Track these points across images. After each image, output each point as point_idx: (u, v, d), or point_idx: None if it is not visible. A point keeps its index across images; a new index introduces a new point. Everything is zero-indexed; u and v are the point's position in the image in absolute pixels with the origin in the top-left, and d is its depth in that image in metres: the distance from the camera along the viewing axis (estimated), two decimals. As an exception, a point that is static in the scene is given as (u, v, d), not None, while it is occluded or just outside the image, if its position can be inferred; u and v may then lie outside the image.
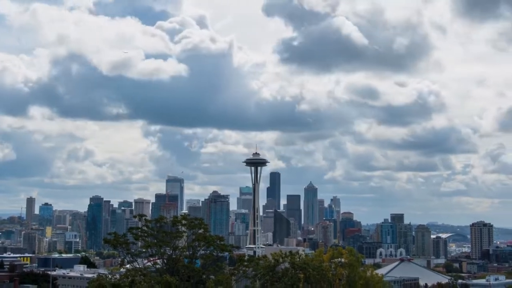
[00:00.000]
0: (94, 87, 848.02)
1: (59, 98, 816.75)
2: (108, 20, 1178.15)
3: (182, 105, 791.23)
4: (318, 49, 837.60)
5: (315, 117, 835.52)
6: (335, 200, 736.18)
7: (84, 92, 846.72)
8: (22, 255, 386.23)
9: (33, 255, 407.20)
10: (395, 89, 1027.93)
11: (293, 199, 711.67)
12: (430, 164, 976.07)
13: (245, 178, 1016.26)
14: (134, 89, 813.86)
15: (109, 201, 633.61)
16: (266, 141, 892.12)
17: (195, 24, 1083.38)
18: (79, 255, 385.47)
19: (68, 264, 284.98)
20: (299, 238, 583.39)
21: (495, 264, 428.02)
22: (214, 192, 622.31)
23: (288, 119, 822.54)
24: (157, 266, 68.30)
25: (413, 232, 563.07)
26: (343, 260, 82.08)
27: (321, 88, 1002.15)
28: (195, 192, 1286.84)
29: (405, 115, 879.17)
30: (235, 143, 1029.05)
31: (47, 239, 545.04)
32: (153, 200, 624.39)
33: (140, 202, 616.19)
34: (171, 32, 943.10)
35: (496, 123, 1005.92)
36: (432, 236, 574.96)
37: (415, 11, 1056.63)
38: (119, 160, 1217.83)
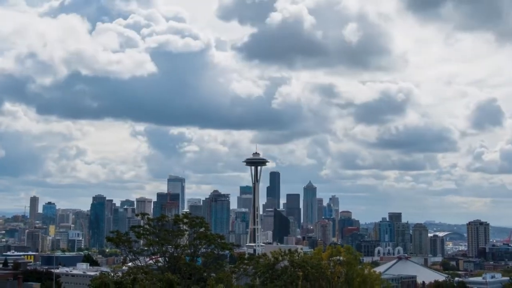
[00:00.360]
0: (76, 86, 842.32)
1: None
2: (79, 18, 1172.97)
3: (155, 103, 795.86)
4: (280, 46, 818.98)
5: (289, 116, 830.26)
6: (333, 199, 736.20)
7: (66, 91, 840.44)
8: (26, 253, 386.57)
9: (37, 253, 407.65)
10: (360, 86, 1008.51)
11: (292, 198, 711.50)
12: (416, 163, 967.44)
13: (235, 176, 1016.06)
14: (111, 88, 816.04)
15: (112, 200, 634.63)
16: (243, 140, 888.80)
17: (166, 21, 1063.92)
18: (82, 253, 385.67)
19: (71, 262, 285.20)
20: (299, 236, 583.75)
21: (492, 262, 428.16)
22: (215, 191, 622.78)
23: (263, 117, 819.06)
24: (159, 264, 68.44)
25: (411, 231, 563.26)
26: (341, 258, 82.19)
27: (294, 86, 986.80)
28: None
29: (376, 113, 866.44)
30: (216, 142, 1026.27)
31: (51, 238, 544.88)
32: (154, 199, 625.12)
33: (142, 201, 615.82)
34: (141, 29, 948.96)
35: (469, 121, 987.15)
36: (429, 235, 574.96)
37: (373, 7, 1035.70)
38: (110, 159, 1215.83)
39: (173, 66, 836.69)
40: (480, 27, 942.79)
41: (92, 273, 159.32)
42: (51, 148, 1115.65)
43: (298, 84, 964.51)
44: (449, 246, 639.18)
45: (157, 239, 67.97)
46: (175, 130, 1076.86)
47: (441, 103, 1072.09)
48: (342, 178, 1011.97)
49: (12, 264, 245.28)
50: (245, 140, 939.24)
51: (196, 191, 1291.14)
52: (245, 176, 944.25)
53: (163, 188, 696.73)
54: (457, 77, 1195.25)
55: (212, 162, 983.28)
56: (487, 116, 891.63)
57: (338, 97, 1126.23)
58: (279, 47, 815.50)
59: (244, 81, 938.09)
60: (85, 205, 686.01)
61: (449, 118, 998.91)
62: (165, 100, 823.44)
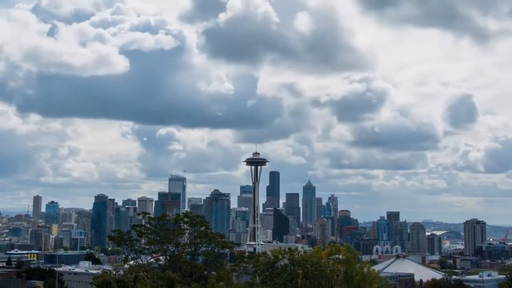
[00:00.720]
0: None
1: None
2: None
3: (127, 101, 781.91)
4: (243, 42, 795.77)
5: (267, 114, 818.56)
6: (332, 199, 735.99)
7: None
8: (29, 251, 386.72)
9: (40, 251, 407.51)
10: (334, 84, 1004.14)
11: (292, 198, 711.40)
12: (402, 162, 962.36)
13: (227, 175, 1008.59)
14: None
15: (113, 200, 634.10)
16: (221, 139, 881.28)
17: (138, 16, 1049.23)
18: (85, 251, 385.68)
19: (73, 260, 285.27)
20: (298, 235, 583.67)
21: (488, 261, 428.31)
22: (216, 190, 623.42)
23: (241, 116, 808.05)
24: (160, 263, 68.35)
25: (408, 230, 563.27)
26: (340, 256, 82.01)
27: (266, 84, 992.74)
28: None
29: (352, 111, 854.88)
30: (202, 141, 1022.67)
31: (53, 236, 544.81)
32: (156, 198, 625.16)
33: (143, 201, 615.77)
34: (110, 26, 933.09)
35: (446, 120, 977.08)
36: (427, 234, 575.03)
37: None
38: (103, 158, 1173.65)
39: (144, 65, 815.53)
40: (438, 25, 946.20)
41: (95, 271, 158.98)
42: (43, 148, 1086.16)
43: (270, 82, 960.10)
44: (447, 244, 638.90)
45: (158, 238, 67.83)
46: (153, 129, 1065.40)
47: (416, 102, 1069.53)
48: (330, 177, 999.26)
49: (15, 263, 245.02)
50: (227, 139, 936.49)
51: (192, 190, 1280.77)
52: (237, 175, 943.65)
53: (159, 187, 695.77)
54: (428, 76, 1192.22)
55: (203, 162, 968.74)
56: (463, 115, 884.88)
57: (311, 95, 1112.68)
58: (243, 44, 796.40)
59: (215, 79, 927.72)
60: (82, 204, 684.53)
61: (426, 117, 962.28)
62: (137, 99, 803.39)
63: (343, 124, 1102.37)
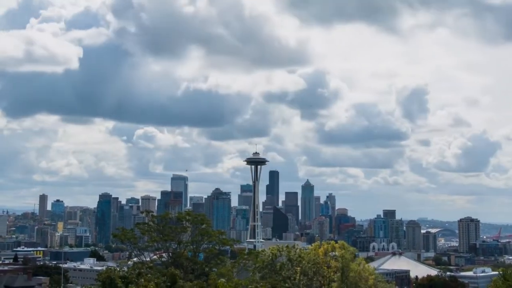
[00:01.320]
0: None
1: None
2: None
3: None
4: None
5: (226, 112, 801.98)
6: (330, 197, 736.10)
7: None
8: (35, 249, 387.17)
9: (46, 249, 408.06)
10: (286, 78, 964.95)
11: (291, 196, 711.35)
12: (379, 160, 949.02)
13: (210, 174, 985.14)
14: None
15: (117, 198, 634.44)
16: (195, 136, 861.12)
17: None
18: (89, 249, 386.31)
19: (78, 257, 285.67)
20: (297, 233, 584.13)
21: (482, 258, 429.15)
22: (217, 189, 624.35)
23: (199, 115, 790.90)
24: (162, 260, 68.54)
25: (404, 227, 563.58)
26: (337, 253, 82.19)
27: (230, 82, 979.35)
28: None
29: (309, 108, 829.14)
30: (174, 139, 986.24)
31: (59, 234, 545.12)
32: (158, 197, 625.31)
33: (146, 199, 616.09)
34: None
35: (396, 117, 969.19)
36: (422, 231, 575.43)
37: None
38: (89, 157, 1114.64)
39: (92, 60, 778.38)
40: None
41: (99, 268, 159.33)
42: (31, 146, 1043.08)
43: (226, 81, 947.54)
44: (441, 242, 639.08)
45: (161, 236, 68.07)
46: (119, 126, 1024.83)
47: (371, 98, 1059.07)
48: (310, 175, 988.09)
49: (22, 259, 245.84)
50: (198, 137, 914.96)
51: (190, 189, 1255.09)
52: (221, 173, 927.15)
53: (151, 186, 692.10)
54: (363, 71, 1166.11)
55: (185, 159, 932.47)
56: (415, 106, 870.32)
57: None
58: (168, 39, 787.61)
59: (156, 77, 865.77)
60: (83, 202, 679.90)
61: (387, 115, 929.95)
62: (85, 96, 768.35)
63: (306, 122, 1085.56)
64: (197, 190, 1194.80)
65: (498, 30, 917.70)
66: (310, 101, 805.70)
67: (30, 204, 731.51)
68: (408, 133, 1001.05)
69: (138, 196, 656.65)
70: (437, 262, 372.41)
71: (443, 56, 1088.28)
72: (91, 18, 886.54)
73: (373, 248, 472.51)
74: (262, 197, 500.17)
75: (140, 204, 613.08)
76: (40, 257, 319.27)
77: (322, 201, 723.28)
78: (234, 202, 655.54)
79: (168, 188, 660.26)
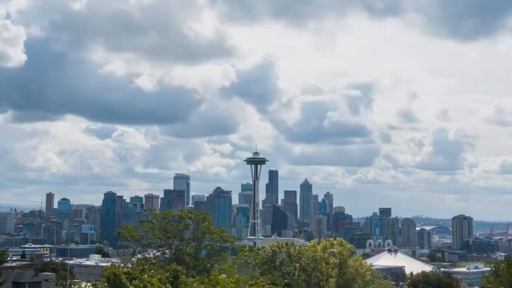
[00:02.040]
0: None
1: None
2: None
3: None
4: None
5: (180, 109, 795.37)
6: (328, 196, 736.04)
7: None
8: (42, 245, 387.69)
9: (52, 245, 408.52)
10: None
11: (290, 195, 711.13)
12: (362, 158, 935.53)
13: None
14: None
15: (122, 196, 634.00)
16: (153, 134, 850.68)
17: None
18: (94, 245, 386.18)
19: (84, 254, 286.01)
20: (296, 230, 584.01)
21: (475, 254, 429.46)
22: (218, 188, 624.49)
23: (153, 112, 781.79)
24: (165, 256, 68.53)
25: (400, 225, 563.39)
26: (334, 250, 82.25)
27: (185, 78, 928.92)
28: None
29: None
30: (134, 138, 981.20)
31: (65, 231, 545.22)
32: (161, 195, 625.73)
33: (150, 197, 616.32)
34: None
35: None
36: (417, 228, 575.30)
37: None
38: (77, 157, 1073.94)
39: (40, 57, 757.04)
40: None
41: (104, 264, 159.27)
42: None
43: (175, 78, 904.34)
44: (436, 239, 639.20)
45: (163, 233, 68.06)
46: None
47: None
48: (295, 173, 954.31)
49: (29, 256, 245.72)
50: (160, 136, 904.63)
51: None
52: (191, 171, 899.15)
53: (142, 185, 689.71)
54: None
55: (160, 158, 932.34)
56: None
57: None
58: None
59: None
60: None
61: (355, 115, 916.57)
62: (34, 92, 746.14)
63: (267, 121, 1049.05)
64: (198, 189, 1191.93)
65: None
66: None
67: (37, 202, 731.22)
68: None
69: (141, 194, 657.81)
70: (431, 258, 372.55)
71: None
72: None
73: (370, 245, 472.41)
74: (262, 195, 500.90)
75: (143, 202, 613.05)
76: (47, 254, 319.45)
77: (320, 199, 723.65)
78: (235, 200, 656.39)
79: (164, 187, 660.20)
